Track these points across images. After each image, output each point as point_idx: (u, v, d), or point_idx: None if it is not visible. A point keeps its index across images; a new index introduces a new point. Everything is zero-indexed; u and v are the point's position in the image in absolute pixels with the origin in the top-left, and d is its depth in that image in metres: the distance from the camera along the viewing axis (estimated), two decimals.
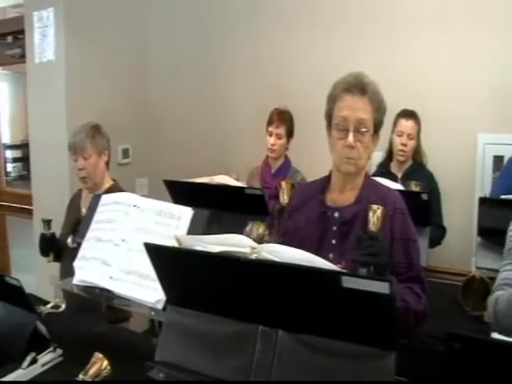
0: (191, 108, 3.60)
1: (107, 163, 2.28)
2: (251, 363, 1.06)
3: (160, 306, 1.31)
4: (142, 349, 1.49)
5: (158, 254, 1.12)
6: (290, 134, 2.73)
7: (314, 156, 2.42)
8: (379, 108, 1.47)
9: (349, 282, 0.95)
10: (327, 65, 2.99)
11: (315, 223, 1.52)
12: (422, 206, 1.93)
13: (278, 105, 2.78)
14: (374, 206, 1.36)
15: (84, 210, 2.21)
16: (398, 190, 1.60)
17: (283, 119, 2.70)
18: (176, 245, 1.16)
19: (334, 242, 1.49)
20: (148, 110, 3.40)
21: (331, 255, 1.44)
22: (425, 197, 1.94)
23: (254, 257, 1.06)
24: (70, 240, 2.09)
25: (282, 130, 2.69)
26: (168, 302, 1.18)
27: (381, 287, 0.91)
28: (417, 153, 2.73)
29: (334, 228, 1.49)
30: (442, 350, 0.91)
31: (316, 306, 1.01)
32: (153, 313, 1.31)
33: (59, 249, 2.13)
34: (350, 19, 3.01)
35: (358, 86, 1.44)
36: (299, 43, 3.17)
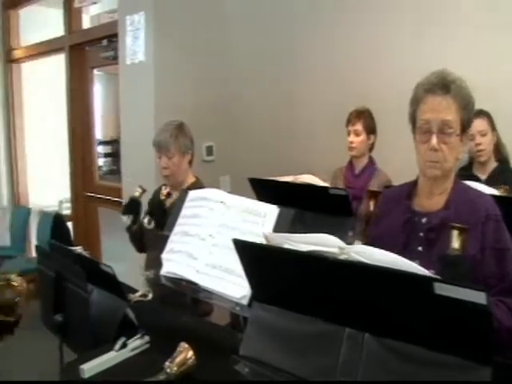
0: (272, 107, 3.62)
1: (190, 162, 2.32)
2: (336, 364, 1.05)
3: (245, 302, 1.33)
4: (225, 342, 1.52)
5: (246, 250, 1.13)
6: (369, 130, 2.67)
7: (399, 159, 2.34)
8: (466, 105, 1.39)
9: (442, 289, 0.91)
10: (413, 64, 2.88)
11: (400, 229, 1.48)
12: None
13: (359, 104, 2.74)
14: (458, 226, 1.28)
15: (167, 205, 2.29)
16: (491, 195, 1.51)
17: (359, 116, 2.66)
18: (264, 242, 1.17)
19: (420, 248, 1.44)
20: (231, 109, 3.46)
21: (417, 262, 1.40)
22: None
23: (342, 257, 1.05)
24: (146, 220, 2.19)
25: (359, 126, 2.65)
26: (254, 298, 1.20)
27: (477, 297, 0.87)
28: (498, 150, 2.58)
29: (421, 234, 1.44)
30: None
31: (405, 311, 0.98)
32: (238, 308, 1.34)
33: (137, 220, 2.24)
34: (436, 17, 2.89)
35: (440, 84, 1.38)
36: (382, 42, 3.09)
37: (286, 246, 1.12)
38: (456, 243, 1.28)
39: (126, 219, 2.20)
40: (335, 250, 1.07)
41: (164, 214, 2.18)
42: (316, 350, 1.08)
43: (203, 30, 3.36)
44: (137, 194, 2.22)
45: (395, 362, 1.00)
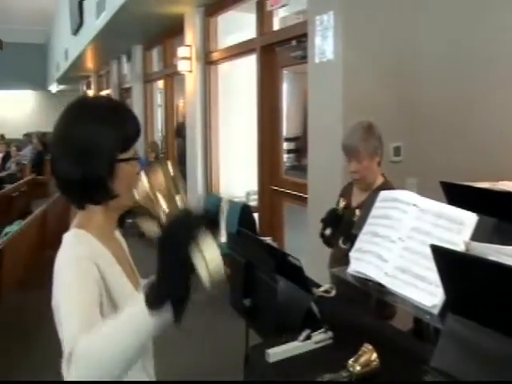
0: (464, 108, 3.40)
1: (379, 162, 2.26)
2: None
3: (436, 312, 1.27)
4: (408, 349, 1.48)
5: (445, 257, 1.08)
6: None
7: None
8: None
9: None
10: None
11: None
12: None
13: None
14: None
15: (354, 205, 2.27)
16: None
17: None
18: (463, 250, 1.11)
19: None
20: (420, 109, 3.32)
21: None
22: None
23: None
24: (340, 242, 2.11)
25: None
26: (449, 308, 1.14)
27: None
28: None
29: None
30: None
31: None
32: (428, 316, 1.28)
33: (336, 230, 2.14)
34: None
35: None
36: None
37: (491, 257, 1.04)
38: None
39: (329, 232, 2.14)
40: None
41: (339, 222, 2.13)
42: None
43: (393, 29, 3.27)
44: (340, 206, 2.16)
45: None
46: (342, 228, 2.04)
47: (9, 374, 3.23)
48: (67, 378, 0.90)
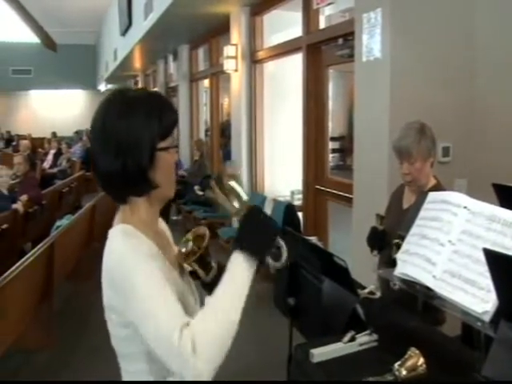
0: None
1: (432, 163, 2.20)
2: None
3: (487, 319, 1.23)
4: (457, 355, 1.44)
5: (499, 262, 1.04)
6: None
7: None
8: None
9: None
10: None
11: None
12: None
13: None
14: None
15: (405, 206, 2.23)
16: None
17: None
18: None
19: None
20: (472, 108, 3.21)
21: None
22: None
23: None
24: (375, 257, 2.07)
25: None
26: (503, 316, 1.10)
27: None
28: None
29: None
30: None
31: None
32: (479, 323, 1.24)
33: (385, 243, 2.10)
34: None
35: None
36: None
37: None
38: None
39: (374, 254, 2.13)
40: None
41: (382, 240, 2.10)
42: None
43: (444, 27, 3.18)
44: (378, 223, 2.12)
45: None
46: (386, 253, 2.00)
47: (65, 358, 3.42)
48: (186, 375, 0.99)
